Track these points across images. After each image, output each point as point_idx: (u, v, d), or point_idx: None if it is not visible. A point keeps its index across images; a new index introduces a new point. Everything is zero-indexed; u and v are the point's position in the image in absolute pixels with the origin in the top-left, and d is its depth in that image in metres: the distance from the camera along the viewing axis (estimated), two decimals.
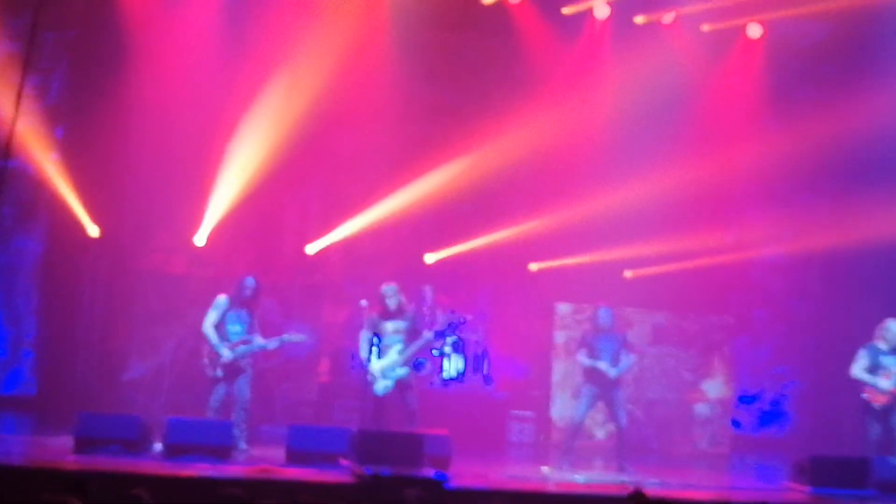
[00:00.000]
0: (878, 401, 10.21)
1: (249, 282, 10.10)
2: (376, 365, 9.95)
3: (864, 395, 10.27)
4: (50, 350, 12.24)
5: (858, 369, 10.33)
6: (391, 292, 10.08)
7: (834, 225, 13.56)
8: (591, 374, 10.52)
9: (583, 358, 10.53)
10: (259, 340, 10.07)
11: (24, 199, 12.22)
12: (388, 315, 10.06)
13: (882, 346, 10.34)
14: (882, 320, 10.42)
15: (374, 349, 9.93)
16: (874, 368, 10.27)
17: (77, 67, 12.47)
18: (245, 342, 9.99)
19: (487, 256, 13.44)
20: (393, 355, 10.00)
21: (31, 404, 11.90)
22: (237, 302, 10.07)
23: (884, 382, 10.17)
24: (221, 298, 10.08)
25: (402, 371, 10.01)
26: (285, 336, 10.39)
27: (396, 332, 10.03)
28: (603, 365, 10.30)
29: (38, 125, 11.79)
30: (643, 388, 12.96)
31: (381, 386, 9.95)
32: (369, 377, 9.97)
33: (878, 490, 9.28)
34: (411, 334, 10.06)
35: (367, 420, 10.09)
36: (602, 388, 10.45)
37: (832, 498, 9.02)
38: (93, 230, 12.17)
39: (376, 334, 10.02)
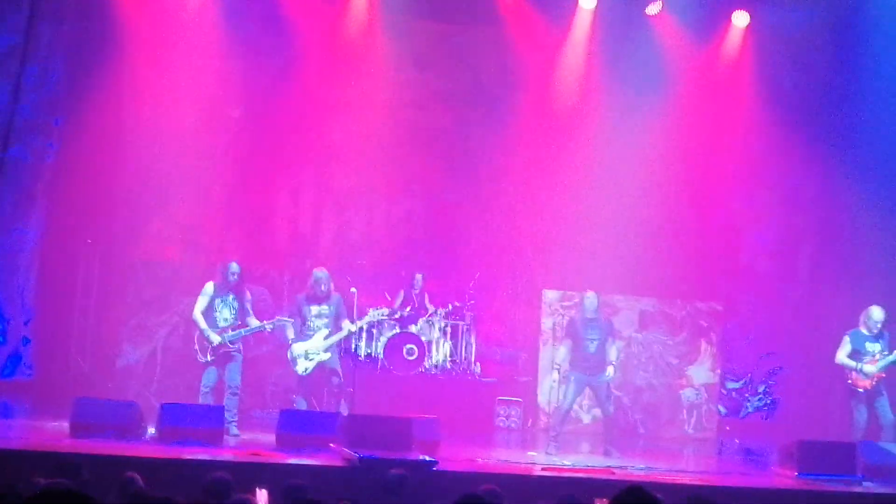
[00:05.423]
0: (862, 385, 10.34)
1: (234, 267, 10.18)
2: (300, 347, 10.24)
3: (849, 381, 10.40)
4: (47, 336, 12.40)
5: (842, 355, 10.45)
6: (322, 277, 10.33)
7: (822, 210, 13.71)
8: (577, 361, 10.66)
9: (559, 352, 10.64)
10: (254, 322, 10.23)
11: (22, 188, 12.31)
12: (315, 299, 10.31)
13: (865, 332, 10.47)
14: (866, 306, 10.56)
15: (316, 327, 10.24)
16: (859, 354, 10.38)
17: (74, 58, 12.54)
18: (237, 327, 10.13)
19: (477, 243, 13.59)
20: (318, 339, 10.27)
21: (28, 389, 12.00)
22: (224, 288, 10.16)
23: (868, 367, 10.28)
24: (209, 285, 10.21)
25: (325, 356, 10.27)
26: (278, 318, 10.54)
27: (320, 315, 10.29)
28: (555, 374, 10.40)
29: (36, 114, 11.92)
30: (630, 374, 13.02)
31: (302, 367, 10.27)
32: (289, 357, 10.30)
33: (865, 475, 9.35)
34: (336, 319, 10.33)
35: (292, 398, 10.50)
36: (589, 374, 10.58)
37: (819, 482, 9.08)
38: (89, 218, 12.34)
39: (301, 317, 10.31)
